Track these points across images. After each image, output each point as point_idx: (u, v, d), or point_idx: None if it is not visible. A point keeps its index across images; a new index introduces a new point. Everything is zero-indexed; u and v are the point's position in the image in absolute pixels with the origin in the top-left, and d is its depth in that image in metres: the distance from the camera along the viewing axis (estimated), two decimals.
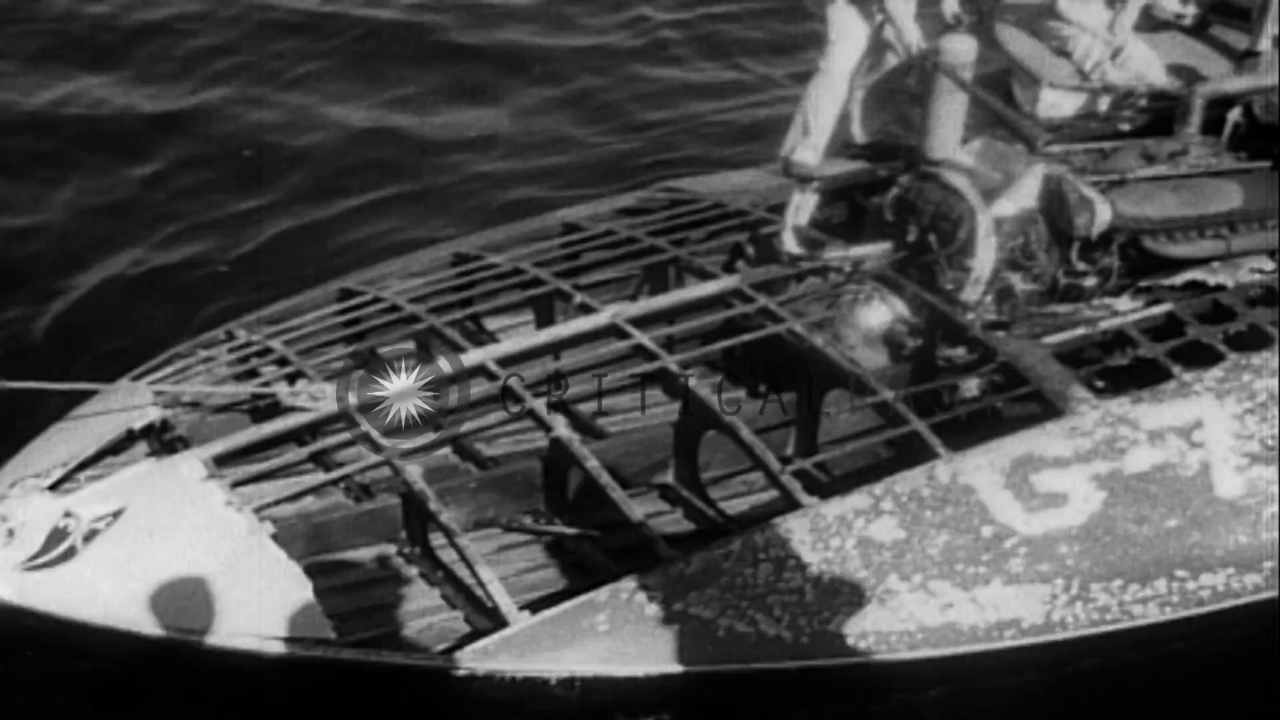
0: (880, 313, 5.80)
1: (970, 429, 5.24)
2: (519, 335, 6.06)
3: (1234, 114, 6.84)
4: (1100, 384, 5.33)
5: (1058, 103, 7.82)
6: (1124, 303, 5.95)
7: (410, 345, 6.06)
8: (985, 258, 5.77)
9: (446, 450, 5.84)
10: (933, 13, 7.03)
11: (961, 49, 6.47)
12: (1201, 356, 5.39)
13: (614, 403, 6.18)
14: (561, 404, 5.84)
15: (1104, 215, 5.81)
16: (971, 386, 5.58)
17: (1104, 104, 7.81)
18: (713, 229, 6.61)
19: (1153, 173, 6.17)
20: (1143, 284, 6.04)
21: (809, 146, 6.92)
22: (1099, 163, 6.28)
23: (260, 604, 4.62)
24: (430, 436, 5.41)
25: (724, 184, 7.12)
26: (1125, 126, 7.12)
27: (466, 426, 5.47)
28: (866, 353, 5.82)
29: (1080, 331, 5.48)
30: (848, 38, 6.81)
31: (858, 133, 7.32)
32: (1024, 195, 5.78)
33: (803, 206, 6.60)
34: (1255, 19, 8.34)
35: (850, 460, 5.40)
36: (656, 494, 5.63)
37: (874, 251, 5.97)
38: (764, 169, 7.33)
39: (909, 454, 5.02)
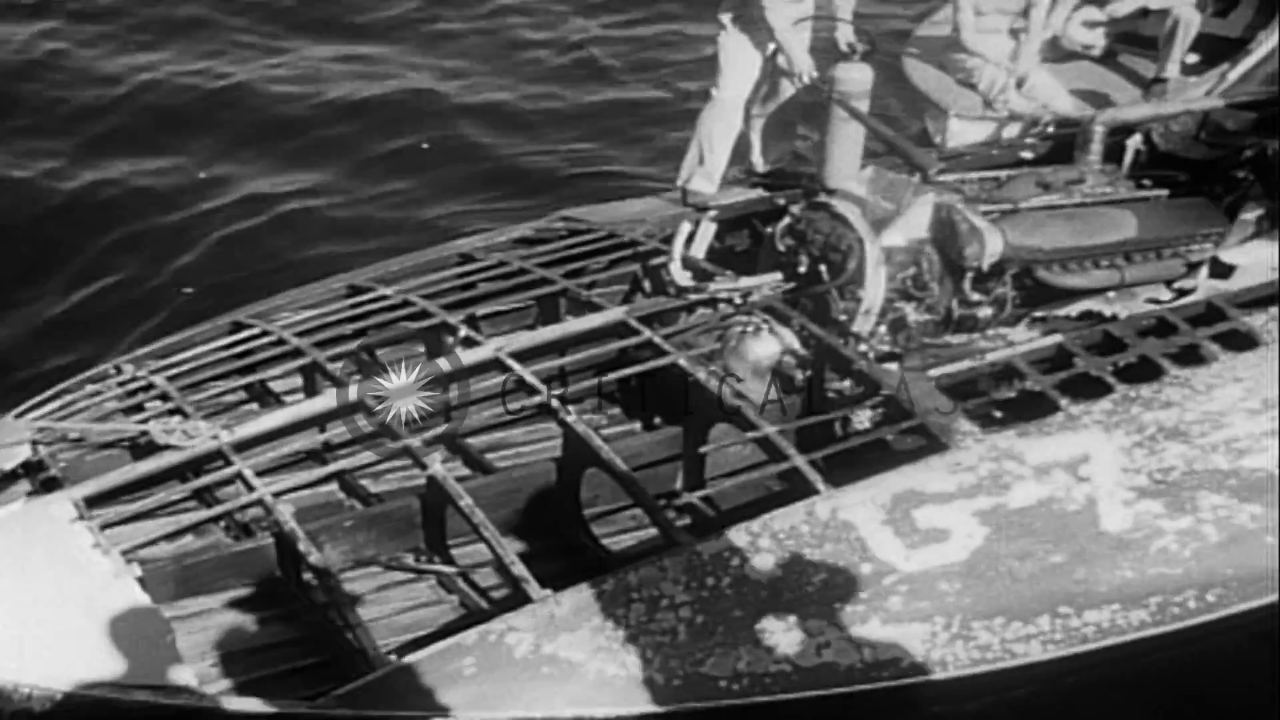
0: (769, 345, 5.72)
1: (863, 462, 5.15)
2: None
3: (1134, 142, 6.85)
4: (992, 416, 5.25)
5: (965, 132, 7.86)
6: (1020, 333, 5.92)
7: (298, 380, 5.93)
8: (875, 289, 5.73)
9: (334, 486, 5.70)
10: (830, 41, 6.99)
11: (856, 78, 6.45)
12: (1091, 389, 5.32)
13: (511, 435, 6.06)
14: (455, 438, 5.80)
15: (994, 245, 5.77)
16: (864, 419, 5.48)
17: (1011, 132, 7.85)
18: (605, 260, 6.51)
19: (1046, 202, 6.13)
20: (1037, 314, 5.99)
21: (704, 175, 6.89)
22: (993, 192, 6.25)
23: (121, 650, 4.48)
24: (310, 474, 5.39)
25: (621, 213, 7.05)
26: (1028, 155, 7.11)
27: (347, 463, 5.48)
28: (756, 385, 5.73)
29: (967, 364, 5.39)
30: (738, 65, 6.79)
31: (758, 160, 7.29)
32: (913, 225, 5.74)
33: (700, 236, 6.53)
34: (1161, 47, 8.43)
35: (739, 494, 5.30)
36: (543, 530, 5.48)
37: (763, 282, 5.89)
38: (663, 197, 7.26)
39: (791, 490, 4.93)
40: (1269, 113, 7.23)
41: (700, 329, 5.86)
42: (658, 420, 6.07)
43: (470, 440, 6.04)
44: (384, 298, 6.42)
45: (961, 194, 6.10)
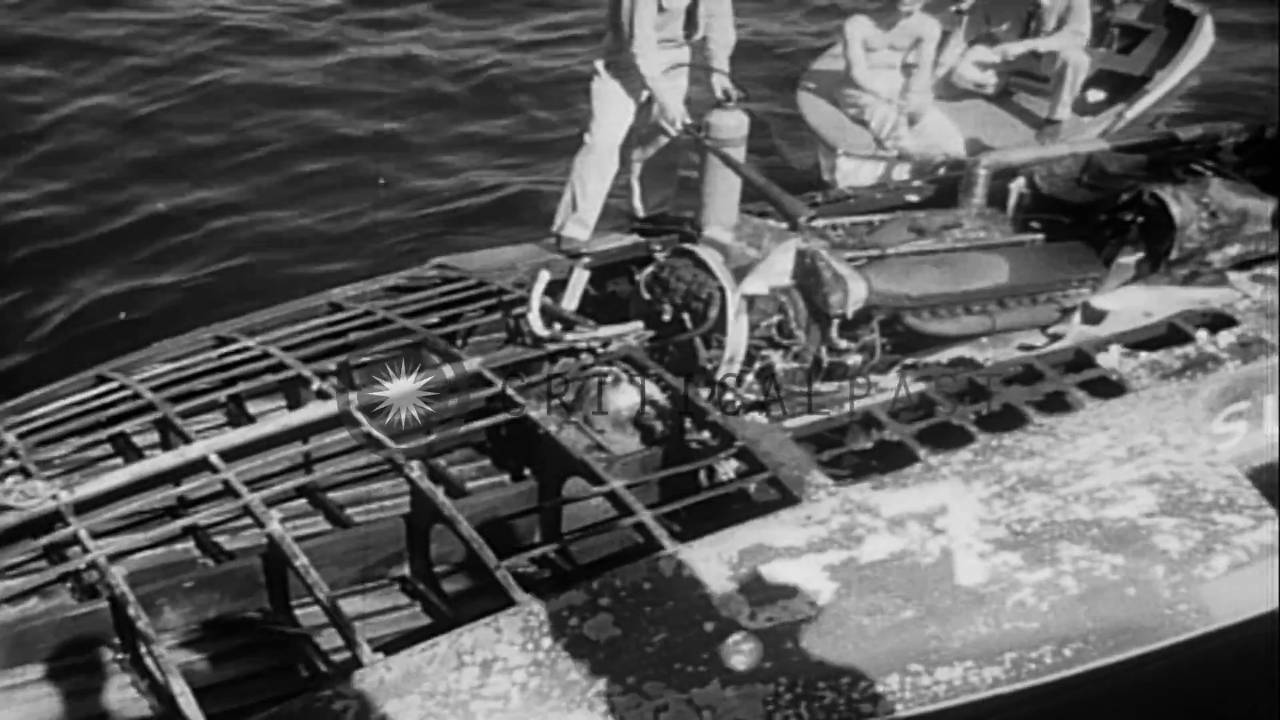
0: (629, 395, 5.63)
1: (730, 515, 5.06)
2: (260, 423, 5.81)
3: (1017, 185, 6.83)
4: (848, 468, 5.17)
5: (855, 171, 7.84)
6: (891, 380, 5.84)
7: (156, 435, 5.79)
8: (737, 337, 5.66)
9: (190, 543, 5.57)
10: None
11: (730, 124, 6.41)
12: (955, 438, 5.26)
13: (378, 488, 5.96)
14: (315, 492, 5.73)
15: (857, 293, 5.72)
16: (729, 470, 5.40)
17: (903, 172, 7.83)
18: (472, 309, 6.41)
19: (914, 248, 6.08)
20: (908, 361, 5.93)
21: (578, 221, 6.82)
22: (864, 237, 6.19)
23: None
24: (162, 531, 5.30)
25: (496, 260, 6.95)
26: (914, 197, 7.08)
27: (201, 519, 5.34)
28: (618, 436, 5.64)
29: (824, 414, 5.32)
30: (611, 112, 6.74)
31: (638, 206, 7.22)
32: (775, 273, 5.67)
33: (572, 284, 6.45)
34: (1052, 89, 8.45)
35: (597, 549, 5.20)
36: (398, 587, 5.36)
37: (623, 332, 5.80)
38: (540, 243, 7.17)
39: (642, 545, 4.84)
40: (1151, 155, 7.23)
41: (561, 380, 5.73)
42: (527, 471, 5.96)
43: (335, 494, 5.90)
44: (247, 349, 6.27)
45: (828, 240, 6.03)
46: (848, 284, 5.74)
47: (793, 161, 9.02)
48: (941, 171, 7.66)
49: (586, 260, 6.62)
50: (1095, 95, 9.66)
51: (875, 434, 5.32)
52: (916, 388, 5.59)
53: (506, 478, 6.12)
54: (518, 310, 6.13)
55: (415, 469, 5.18)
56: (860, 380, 5.90)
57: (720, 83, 6.75)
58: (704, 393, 5.76)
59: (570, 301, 6.41)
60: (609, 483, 5.02)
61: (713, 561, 4.70)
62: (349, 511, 5.91)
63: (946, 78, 9.12)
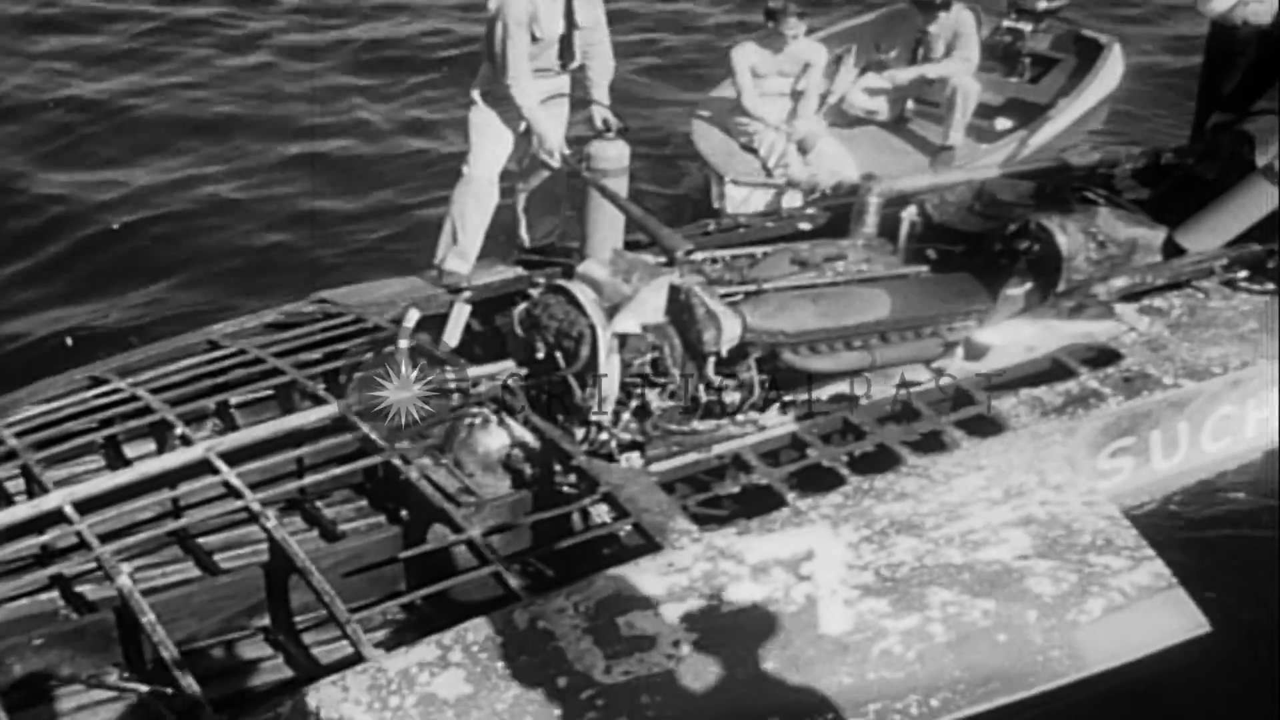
0: (498, 437, 5.53)
1: (600, 560, 4.95)
2: (119, 472, 5.66)
3: (909, 214, 6.76)
4: (715, 512, 5.07)
5: (744, 199, 7.76)
6: (772, 417, 5.75)
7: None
8: (609, 376, 5.53)
9: (55, 594, 5.42)
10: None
11: (611, 155, 6.34)
12: (826, 480, 5.17)
13: (253, 531, 5.82)
14: (186, 538, 5.59)
15: (731, 330, 5.63)
16: (602, 513, 5.29)
17: (793, 200, 7.76)
18: (345, 346, 6.28)
19: (795, 281, 5.99)
20: (788, 398, 5.84)
21: (458, 255, 6.72)
22: (746, 270, 6.10)
23: None
24: (26, 580, 5.14)
25: (378, 294, 6.82)
26: (806, 225, 7.00)
27: (67, 569, 5.20)
28: (488, 479, 5.53)
29: (693, 457, 5.22)
30: (489, 142, 6.64)
31: (525, 237, 7.12)
32: (648, 310, 5.57)
33: (453, 318, 6.34)
34: (945, 114, 8.40)
35: (465, 596, 5.07)
36: (262, 637, 5.23)
37: (493, 371, 5.69)
38: (424, 276, 7.04)
39: (500, 597, 4.72)
40: (1044, 183, 7.18)
41: (430, 421, 5.62)
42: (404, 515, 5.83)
43: (210, 538, 5.76)
44: (119, 390, 6.13)
45: (704, 275, 5.93)
46: (721, 320, 5.64)
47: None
48: (825, 194, 7.57)
49: (467, 294, 6.52)
50: (1004, 123, 9.64)
51: (744, 477, 5.20)
52: (788, 428, 5.48)
53: (383, 519, 5.97)
54: (387, 349, 6.01)
55: (271, 517, 5.06)
56: (739, 418, 5.80)
57: (599, 113, 6.66)
58: (579, 433, 5.65)
59: (451, 337, 6.31)
60: (467, 530, 4.90)
61: (568, 613, 4.59)
62: (224, 556, 5.75)
63: (839, 105, 9.07)
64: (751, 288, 5.98)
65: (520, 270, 6.83)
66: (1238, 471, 6.42)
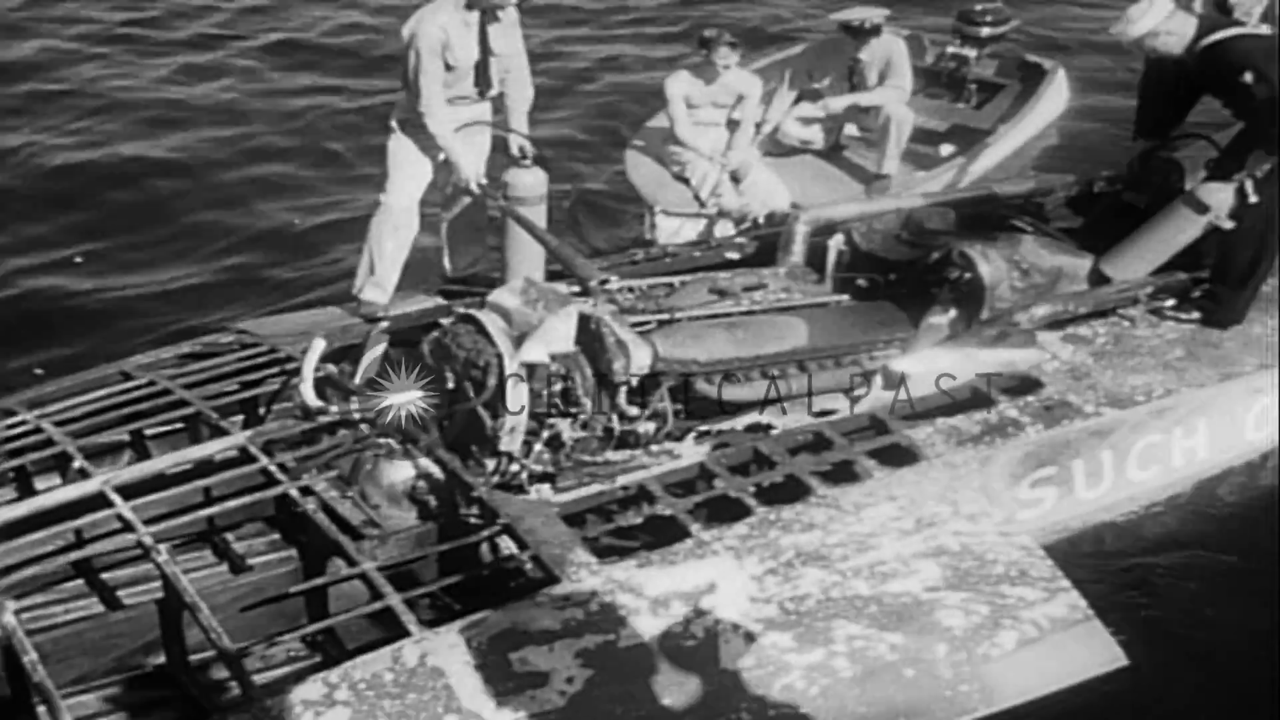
0: (403, 469, 5.44)
1: (504, 594, 4.86)
2: (19, 504, 5.56)
3: (835, 242, 6.70)
4: (617, 544, 5.00)
5: (676, 229, 7.71)
6: (687, 447, 5.67)
7: None
8: (515, 406, 5.45)
9: None
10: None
11: (527, 182, 6.29)
12: (732, 511, 5.10)
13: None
14: (89, 573, 5.50)
15: (640, 359, 5.56)
16: (511, 545, 5.20)
17: (724, 229, 7.71)
18: (256, 377, 6.20)
19: (712, 310, 5.92)
20: (703, 428, 5.77)
21: (376, 285, 6.65)
22: (662, 299, 6.03)
23: None
24: None
25: (296, 324, 6.74)
26: (734, 254, 6.94)
27: None
28: (394, 511, 5.44)
29: (596, 488, 5.14)
30: (406, 171, 6.58)
31: (448, 266, 7.06)
32: (555, 339, 5.49)
33: (369, 348, 6.25)
34: (879, 143, 8.37)
35: (364, 633, 4.98)
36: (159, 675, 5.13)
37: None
38: (344, 306, 6.97)
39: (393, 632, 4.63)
40: (972, 211, 7.14)
41: (334, 454, 5.54)
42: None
43: (118, 573, 5.66)
44: (24, 422, 6.04)
45: (616, 304, 5.86)
46: (630, 349, 5.58)
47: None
48: (757, 224, 7.53)
49: (384, 325, 6.43)
50: (948, 149, 9.60)
51: (648, 508, 5.12)
52: (698, 458, 5.41)
53: (294, 552, 5.88)
54: (294, 381, 5.93)
55: (163, 552, 4.96)
56: (654, 448, 5.73)
57: (515, 141, 6.60)
58: (490, 464, 5.58)
59: (369, 367, 6.22)
60: (361, 564, 4.80)
61: (459, 649, 4.50)
62: (131, 592, 5.66)
63: (773, 134, 9.03)
64: (664, 316, 5.90)
65: (440, 300, 6.75)
66: (1168, 501, 6.36)
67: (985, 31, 10.25)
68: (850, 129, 9.16)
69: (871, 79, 8.81)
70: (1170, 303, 6.77)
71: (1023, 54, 10.68)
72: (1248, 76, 6.27)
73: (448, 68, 6.42)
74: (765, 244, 7.17)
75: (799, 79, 8.96)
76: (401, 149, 6.61)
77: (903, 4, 11.78)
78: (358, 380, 6.14)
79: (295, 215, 9.40)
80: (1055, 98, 10.23)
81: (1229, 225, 6.48)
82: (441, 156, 6.57)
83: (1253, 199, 6.37)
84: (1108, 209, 7.39)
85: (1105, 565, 6.05)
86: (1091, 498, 6.00)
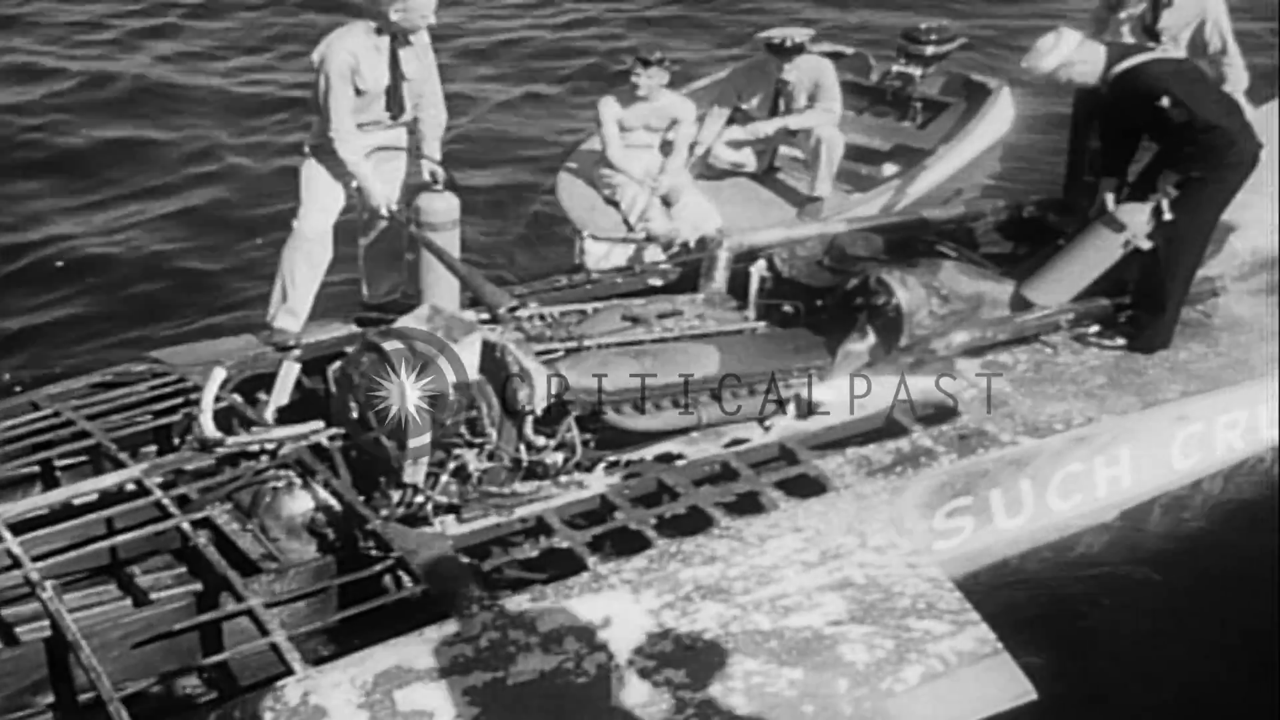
0: (302, 501, 5.39)
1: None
2: None
3: (758, 268, 6.67)
4: (512, 578, 4.94)
5: (605, 254, 7.67)
6: (597, 478, 5.63)
7: None
8: (419, 437, 5.39)
9: None
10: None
11: (440, 208, 6.26)
12: (633, 543, 5.05)
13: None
14: None
15: (544, 388, 5.52)
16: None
17: (655, 254, 7.67)
18: (165, 407, 6.13)
19: (622, 338, 5.88)
20: (611, 458, 5.73)
21: (288, 312, 6.59)
22: (573, 326, 5.99)
23: None
24: None
25: (204, 353, 6.67)
26: (658, 280, 6.89)
27: None
28: (293, 544, 5.38)
29: (493, 520, 5.09)
30: (318, 197, 6.53)
31: (367, 293, 7.01)
32: (458, 368, 5.42)
33: (282, 377, 6.19)
34: (810, 165, 8.34)
35: (270, 668, 4.91)
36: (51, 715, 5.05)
37: (300, 433, 5.56)
38: (259, 334, 6.90)
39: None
40: (896, 236, 7.12)
41: (233, 486, 5.48)
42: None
43: (19, 609, 5.58)
44: None
45: (524, 332, 5.81)
46: (534, 379, 5.54)
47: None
48: (687, 249, 7.49)
49: (296, 353, 6.39)
50: (890, 169, 9.57)
51: (546, 540, 5.07)
52: (600, 489, 5.36)
53: (200, 586, 5.81)
54: (192, 411, 5.88)
55: (48, 588, 4.89)
56: (562, 479, 5.68)
57: (427, 166, 6.56)
58: (395, 495, 5.53)
59: (280, 396, 6.17)
60: (246, 600, 4.74)
61: (343, 687, 4.45)
62: (29, 629, 5.57)
63: (705, 157, 9.00)
64: (572, 344, 5.85)
65: (355, 327, 6.69)
66: (1092, 530, 6.33)
67: (930, 50, 10.23)
68: (785, 150, 9.11)
69: (800, 100, 8.79)
70: (1094, 329, 6.72)
71: (967, 73, 10.63)
72: (1164, 101, 6.24)
73: (358, 92, 6.37)
74: (690, 270, 7.13)
75: (728, 100, 8.92)
76: (314, 175, 6.55)
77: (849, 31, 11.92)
78: (269, 409, 6.09)
79: (214, 240, 9.29)
80: (999, 117, 10.19)
81: (1147, 246, 6.45)
82: (354, 182, 6.52)
83: (1167, 217, 6.34)
84: (1035, 234, 7.35)
85: (1026, 595, 6.03)
86: (1012, 527, 5.97)
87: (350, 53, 6.26)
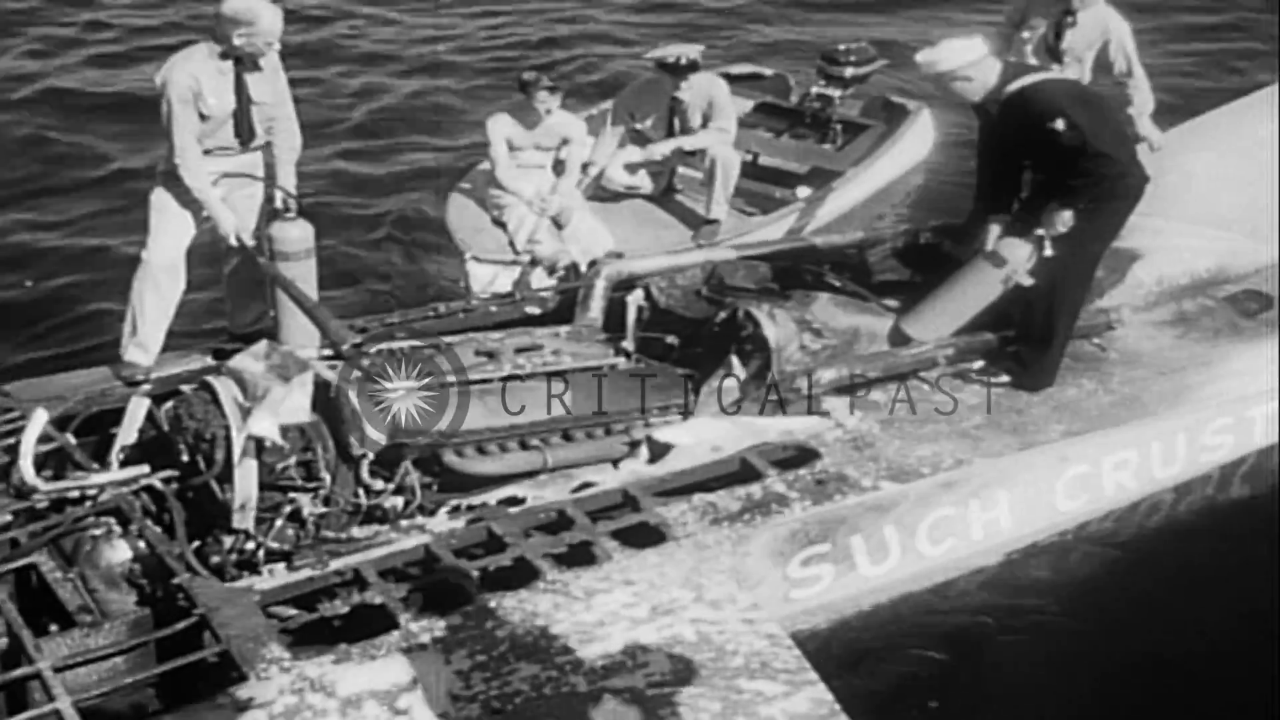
0: (121, 551, 5.21)
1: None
2: None
3: (634, 298, 6.49)
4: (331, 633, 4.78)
5: (491, 278, 7.50)
6: (441, 523, 5.45)
7: None
8: (245, 482, 5.25)
9: None
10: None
11: (294, 236, 6.08)
12: (452, 598, 4.87)
13: None
14: None
15: (377, 431, 5.32)
16: None
17: (542, 278, 7.50)
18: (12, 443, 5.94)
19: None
20: (455, 502, 5.56)
21: (138, 345, 6.41)
22: (424, 363, 5.80)
23: None
24: None
25: (60, 386, 6.48)
26: (535, 310, 6.71)
27: None
28: (113, 594, 5.20)
29: (305, 574, 4.92)
30: (168, 226, 6.36)
31: (231, 324, 6.84)
32: (287, 409, 5.26)
33: (130, 414, 6.00)
34: (706, 187, 8.18)
35: None
36: None
37: (123, 477, 5.38)
38: (115, 366, 6.71)
39: None
40: (790, 264, 6.95)
41: (54, 533, 5.30)
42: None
43: None
44: None
45: (363, 370, 5.63)
46: (364, 420, 5.34)
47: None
48: (577, 272, 7.32)
49: (146, 388, 6.22)
50: (804, 192, 9.38)
51: (359, 595, 4.90)
52: (424, 539, 5.19)
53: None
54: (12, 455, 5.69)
55: None
56: (403, 524, 5.51)
57: (280, 193, 6.39)
58: (227, 541, 5.36)
59: (128, 433, 5.99)
60: (36, 663, 4.57)
61: None
62: None
63: (598, 178, 8.82)
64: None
65: (211, 360, 6.51)
66: (971, 575, 6.16)
67: (850, 72, 10.04)
68: (685, 170, 8.93)
69: (694, 119, 8.61)
70: (978, 365, 6.54)
71: (887, 95, 10.45)
72: (1059, 124, 6.06)
73: (202, 117, 6.19)
74: (570, 298, 6.95)
75: (620, 119, 8.74)
76: (163, 202, 6.38)
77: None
78: (116, 447, 5.91)
79: (75, 268, 9.08)
80: (918, 139, 10.01)
81: (1028, 282, 6.27)
82: (204, 213, 6.36)
83: (1048, 253, 6.17)
84: (932, 261, 7.16)
85: (900, 642, 5.87)
86: (879, 574, 5.82)
87: (192, 76, 6.08)
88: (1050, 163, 6.27)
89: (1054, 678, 5.75)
